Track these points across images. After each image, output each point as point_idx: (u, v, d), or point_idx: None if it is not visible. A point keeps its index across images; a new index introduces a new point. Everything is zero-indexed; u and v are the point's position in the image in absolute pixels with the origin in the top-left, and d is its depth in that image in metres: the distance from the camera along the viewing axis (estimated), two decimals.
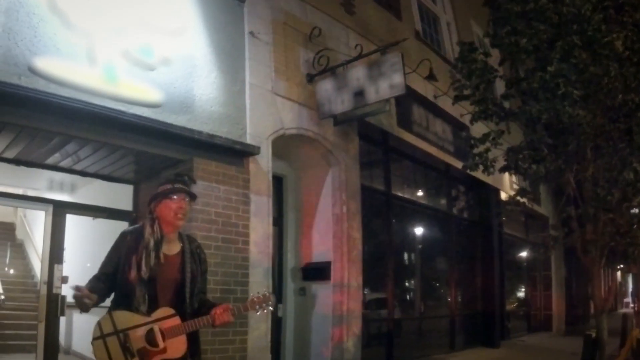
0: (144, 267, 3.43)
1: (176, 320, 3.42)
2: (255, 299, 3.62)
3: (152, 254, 3.48)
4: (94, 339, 3.36)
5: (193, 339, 3.54)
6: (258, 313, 3.66)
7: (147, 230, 3.55)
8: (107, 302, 3.61)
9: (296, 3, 8.20)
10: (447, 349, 11.84)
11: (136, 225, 3.71)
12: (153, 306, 3.43)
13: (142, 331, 3.36)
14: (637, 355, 8.28)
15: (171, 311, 3.44)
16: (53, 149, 6.16)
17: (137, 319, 3.39)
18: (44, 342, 6.41)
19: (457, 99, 8.77)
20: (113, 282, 3.52)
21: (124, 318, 3.39)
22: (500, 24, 8.11)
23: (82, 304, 3.36)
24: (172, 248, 3.63)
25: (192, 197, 3.69)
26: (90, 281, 3.51)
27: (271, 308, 3.68)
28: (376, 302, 10.10)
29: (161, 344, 3.36)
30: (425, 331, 11.64)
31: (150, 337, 3.36)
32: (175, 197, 3.58)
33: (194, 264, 3.64)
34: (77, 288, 3.37)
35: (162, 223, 3.58)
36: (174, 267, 3.58)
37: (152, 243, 3.51)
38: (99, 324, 3.38)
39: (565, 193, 8.98)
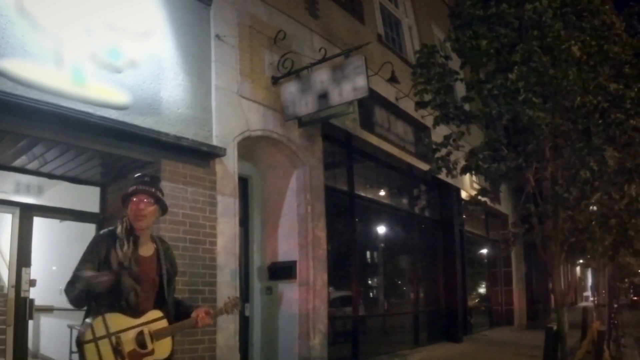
0: (122, 257, 3.44)
1: (164, 323, 3.50)
2: (230, 303, 3.86)
3: (129, 245, 3.49)
4: (86, 342, 3.29)
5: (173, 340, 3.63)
6: (228, 316, 3.86)
7: (118, 227, 3.56)
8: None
9: (262, 6, 8.29)
10: (411, 345, 12.05)
11: (110, 228, 3.68)
12: (138, 307, 3.45)
13: (133, 334, 3.38)
14: (597, 347, 8.56)
15: (159, 314, 3.51)
16: (20, 151, 6.13)
17: (129, 321, 3.40)
18: (12, 346, 6.35)
19: (418, 105, 8.91)
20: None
21: (117, 321, 3.37)
22: (462, 29, 8.28)
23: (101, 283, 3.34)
24: (147, 250, 3.65)
25: (152, 196, 3.63)
26: (73, 277, 3.42)
27: (236, 311, 3.96)
28: (341, 300, 10.24)
29: (150, 347, 3.41)
30: (389, 328, 11.83)
31: (140, 340, 3.40)
32: (135, 198, 3.58)
33: (168, 264, 3.69)
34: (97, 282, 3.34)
35: (131, 223, 3.59)
36: (151, 269, 3.61)
37: (125, 239, 3.51)
38: (90, 326, 3.31)
39: (525, 191, 9.17)
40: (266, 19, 8.31)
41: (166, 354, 3.52)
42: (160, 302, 3.59)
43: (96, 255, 3.48)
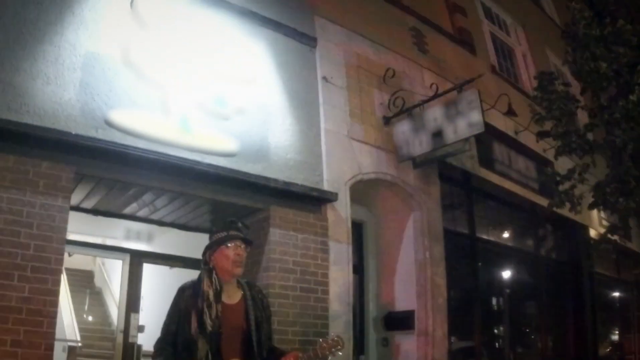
0: (207, 320, 3.30)
1: None
2: (324, 345, 3.44)
3: (213, 305, 3.36)
4: None
5: None
6: (329, 358, 3.45)
7: (205, 281, 3.44)
8: None
9: (369, 45, 8.12)
10: None
11: (193, 279, 3.60)
12: (222, 356, 3.30)
13: None
14: None
15: None
16: (130, 199, 6.25)
17: None
18: None
19: (540, 135, 8.40)
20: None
21: None
22: (579, 50, 7.77)
23: None
24: (233, 297, 3.51)
25: (248, 242, 3.58)
26: (159, 351, 3.42)
27: (340, 353, 3.48)
28: (463, 352, 9.61)
29: None
30: None
31: None
32: (230, 244, 3.48)
33: (257, 310, 3.51)
34: None
35: (220, 272, 3.46)
36: (237, 316, 3.45)
37: (211, 294, 3.39)
38: None
39: None
40: (374, 57, 8.12)
41: None
42: (248, 351, 3.40)
43: (176, 313, 3.45)
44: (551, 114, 8.07)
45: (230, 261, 3.44)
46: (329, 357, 3.45)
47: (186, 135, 5.71)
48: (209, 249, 3.56)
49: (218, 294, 3.41)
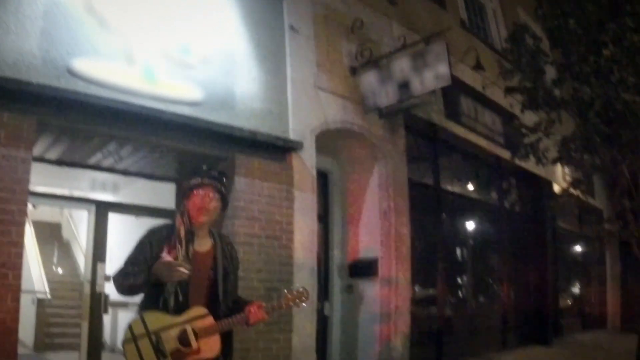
0: (180, 258, 3.29)
1: (209, 320, 3.30)
2: (289, 296, 3.46)
3: (184, 244, 3.34)
4: (125, 342, 3.23)
5: (226, 339, 3.40)
6: (293, 309, 3.48)
7: (178, 220, 3.42)
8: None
9: None
10: (499, 347, 11.47)
11: (165, 223, 3.55)
12: (185, 305, 3.30)
13: (174, 332, 3.24)
14: None
15: (204, 310, 3.31)
16: (94, 149, 6.21)
17: (169, 319, 3.26)
18: (87, 340, 6.44)
19: (508, 90, 8.48)
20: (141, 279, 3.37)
21: (156, 319, 3.27)
22: (549, 6, 7.80)
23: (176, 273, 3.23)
24: (203, 244, 3.48)
25: (217, 190, 3.47)
26: (124, 277, 3.35)
27: (305, 305, 3.50)
28: (426, 300, 9.85)
29: (195, 345, 3.24)
30: (476, 329, 11.31)
31: (183, 338, 3.24)
32: (198, 191, 3.42)
33: (226, 260, 3.50)
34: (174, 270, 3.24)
35: (191, 218, 3.42)
36: (205, 265, 3.43)
37: (182, 233, 3.37)
38: (129, 326, 3.26)
39: (620, 185, 8.62)
40: (342, 7, 8.06)
41: (214, 352, 3.30)
42: (213, 300, 3.40)
43: (142, 253, 3.38)
44: (519, 67, 8.11)
45: (197, 208, 3.40)
46: (294, 308, 3.50)
47: (151, 84, 5.65)
48: (183, 194, 3.52)
49: (189, 234, 3.40)
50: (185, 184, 3.54)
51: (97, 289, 6.54)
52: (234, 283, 3.59)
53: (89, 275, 6.59)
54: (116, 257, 8.48)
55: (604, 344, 13.83)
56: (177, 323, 3.26)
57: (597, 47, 7.40)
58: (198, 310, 3.30)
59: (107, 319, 7.06)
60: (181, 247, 3.34)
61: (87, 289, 6.57)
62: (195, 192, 3.43)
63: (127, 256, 3.43)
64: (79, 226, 13.83)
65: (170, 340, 3.23)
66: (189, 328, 3.25)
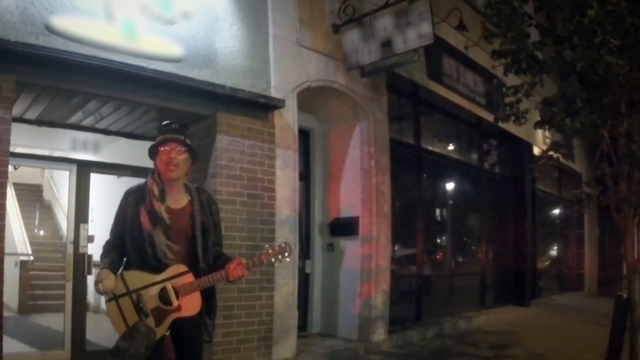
0: (158, 214, 3.33)
1: (189, 277, 3.33)
2: (270, 251, 3.47)
3: (159, 202, 3.37)
4: (107, 301, 3.30)
5: (208, 295, 3.46)
6: (275, 264, 3.51)
7: (149, 180, 3.44)
8: None
9: None
10: (477, 307, 11.74)
11: (139, 184, 3.56)
12: (165, 263, 3.33)
13: (155, 290, 3.29)
14: None
15: (183, 268, 3.34)
16: (75, 108, 6.12)
17: (149, 278, 3.31)
18: (72, 301, 6.41)
19: (495, 54, 8.46)
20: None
21: (136, 278, 3.32)
22: None
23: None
24: (179, 201, 3.49)
25: (185, 145, 3.47)
26: (106, 252, 3.43)
27: (288, 259, 3.52)
28: (406, 259, 10.00)
29: (175, 302, 3.28)
30: (455, 288, 11.53)
31: (163, 296, 3.28)
32: (164, 147, 3.43)
33: (204, 216, 3.50)
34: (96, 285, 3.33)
35: (161, 175, 3.43)
36: (183, 221, 3.44)
37: (156, 191, 3.39)
38: None
39: (599, 149, 8.69)
40: None
41: (196, 310, 3.37)
42: (192, 256, 3.42)
43: (122, 215, 3.44)
44: (501, 30, 8.08)
45: (164, 163, 3.40)
46: (276, 263, 3.49)
47: (131, 40, 5.55)
48: (151, 156, 3.53)
49: (162, 192, 3.41)
50: (152, 145, 3.54)
51: (80, 249, 6.46)
52: (216, 238, 3.59)
53: (71, 236, 6.51)
54: (98, 217, 8.49)
55: (580, 306, 14.14)
56: (158, 281, 3.30)
57: (581, 9, 7.37)
58: (177, 268, 3.34)
59: (90, 279, 7.05)
60: (158, 203, 3.36)
61: (70, 250, 6.49)
62: (161, 148, 3.44)
63: (112, 226, 3.51)
64: (60, 187, 13.75)
65: (151, 299, 3.28)
66: (169, 286, 3.29)
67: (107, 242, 3.49)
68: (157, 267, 3.31)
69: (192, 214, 3.47)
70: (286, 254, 3.49)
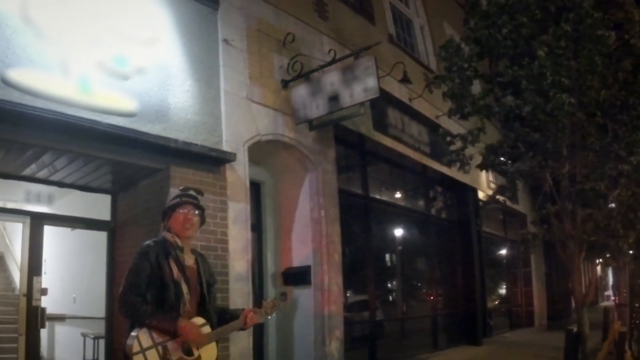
0: (183, 264, 3.64)
1: (207, 329, 3.61)
2: (270, 303, 3.94)
3: (180, 255, 3.67)
4: (135, 353, 3.41)
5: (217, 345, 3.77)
6: (269, 317, 3.95)
7: (168, 235, 3.72)
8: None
9: (269, 9, 8.21)
10: (430, 349, 11.90)
11: (154, 239, 3.77)
12: (186, 315, 3.57)
13: (178, 342, 3.50)
14: (619, 348, 8.37)
15: (202, 320, 3.62)
16: (29, 160, 6.12)
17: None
18: (25, 355, 6.34)
19: (437, 78, 8.68)
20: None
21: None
22: (480, 18, 8.09)
23: None
24: (189, 259, 3.78)
25: (200, 208, 3.87)
26: (139, 304, 3.49)
27: (280, 309, 3.93)
28: (358, 305, 10.13)
29: (196, 353, 3.53)
30: (408, 331, 11.68)
31: (185, 347, 3.51)
32: (181, 210, 3.76)
33: (207, 275, 3.83)
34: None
35: (177, 233, 3.75)
36: (193, 277, 3.73)
37: (179, 242, 3.71)
38: (137, 338, 3.43)
39: (543, 190, 9.05)
40: (274, 22, 8.23)
41: (212, 358, 3.65)
42: (203, 310, 3.72)
43: (148, 267, 3.57)
44: (450, 75, 8.33)
45: (181, 225, 3.72)
46: (270, 315, 3.96)
47: (85, 94, 5.63)
48: (165, 215, 3.84)
49: (180, 249, 3.71)
50: (167, 206, 3.90)
51: (34, 302, 6.43)
52: (215, 295, 3.94)
53: (24, 289, 6.48)
54: (52, 269, 8.42)
55: (532, 341, 14.43)
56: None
57: (524, 57, 7.73)
58: (198, 320, 3.60)
59: (44, 332, 6.98)
60: (182, 257, 3.68)
61: (23, 302, 6.45)
62: (178, 210, 3.77)
63: (129, 282, 3.57)
64: (12, 239, 13.48)
65: (175, 350, 3.49)
66: None
67: (130, 294, 3.52)
68: (177, 316, 3.51)
69: (199, 271, 3.78)
70: (277, 307, 3.98)
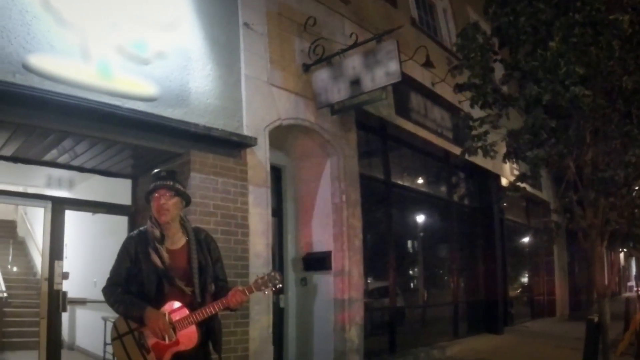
0: (163, 254, 3.58)
1: (184, 312, 3.52)
2: (259, 280, 3.63)
3: (159, 246, 3.63)
4: (112, 339, 3.55)
5: (208, 328, 3.65)
6: (266, 292, 3.67)
7: (149, 224, 3.71)
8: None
9: None
10: (450, 337, 11.84)
11: (140, 228, 3.81)
12: (162, 300, 3.54)
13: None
14: None
15: (177, 304, 3.54)
16: (50, 146, 6.16)
17: None
18: (46, 339, 6.41)
19: (458, 87, 8.68)
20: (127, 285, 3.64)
21: None
22: (498, 4, 7.99)
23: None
24: (177, 242, 3.73)
25: (174, 190, 3.72)
26: (118, 294, 3.60)
27: (280, 285, 3.68)
28: (378, 291, 10.09)
29: (173, 337, 3.47)
30: (428, 319, 11.62)
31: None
32: (155, 194, 3.70)
33: (201, 254, 3.73)
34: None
35: (156, 219, 3.70)
36: (181, 260, 3.67)
37: (156, 233, 3.65)
38: (114, 325, 3.56)
39: (566, 178, 8.90)
40: (295, 5, 8.17)
41: (193, 342, 3.53)
42: (192, 292, 3.63)
43: (127, 260, 3.66)
44: (469, 63, 8.27)
45: (156, 210, 3.67)
46: (266, 291, 3.65)
47: (106, 79, 5.65)
48: (146, 201, 3.80)
49: (162, 236, 3.67)
50: (145, 192, 3.81)
51: (55, 286, 6.48)
52: (220, 273, 3.84)
53: (46, 273, 6.52)
54: (73, 254, 8.47)
55: (553, 331, 14.30)
56: None
57: (544, 43, 7.60)
58: (171, 304, 3.53)
59: (65, 316, 7.05)
60: (157, 249, 3.61)
61: (45, 287, 6.50)
62: (153, 196, 3.71)
63: (110, 273, 3.70)
64: (34, 223, 13.67)
65: (150, 335, 3.48)
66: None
67: (110, 284, 3.66)
68: (157, 305, 3.51)
69: (189, 253, 3.69)
70: (277, 281, 3.64)
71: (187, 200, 3.82)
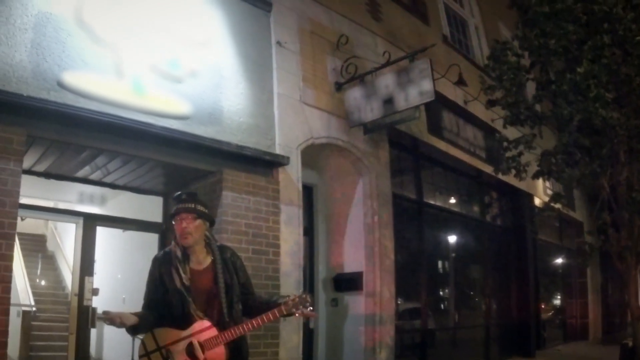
0: (182, 274, 3.57)
1: (213, 332, 3.50)
2: (290, 302, 3.56)
3: (181, 266, 3.62)
4: (140, 357, 3.54)
5: (236, 348, 3.61)
6: (297, 314, 3.61)
7: (172, 244, 3.72)
8: None
9: (323, 11, 8.15)
10: (481, 359, 11.60)
11: (164, 249, 3.83)
12: (191, 319, 3.53)
13: (182, 345, 3.48)
14: None
15: (207, 323, 3.52)
16: (83, 162, 6.20)
17: (176, 334, 3.51)
18: (74, 354, 6.42)
19: (490, 103, 8.60)
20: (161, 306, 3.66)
21: (165, 334, 3.55)
22: (529, 26, 7.95)
23: (121, 326, 3.46)
24: (203, 262, 3.71)
25: (196, 212, 3.68)
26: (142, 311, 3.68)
27: (311, 308, 3.62)
28: (409, 312, 9.94)
29: (201, 356, 3.46)
30: (459, 341, 11.41)
31: (190, 351, 3.47)
32: (177, 219, 3.69)
33: (227, 274, 3.69)
34: (104, 312, 3.52)
35: (179, 241, 3.70)
36: (206, 280, 3.65)
37: (179, 254, 3.65)
38: (142, 342, 3.56)
39: (600, 198, 8.74)
40: (327, 23, 8.17)
41: None
42: (217, 312, 3.62)
43: (152, 282, 3.71)
44: (502, 84, 8.22)
45: (179, 234, 3.66)
46: (296, 313, 3.58)
47: (139, 97, 5.69)
48: (170, 224, 3.81)
49: (185, 256, 3.65)
50: (168, 216, 3.85)
51: (85, 302, 6.53)
52: (247, 289, 3.80)
53: (76, 289, 6.57)
54: (102, 270, 8.48)
55: (586, 354, 13.95)
56: (184, 337, 3.50)
57: (575, 65, 7.53)
58: (202, 323, 3.52)
59: (93, 331, 7.05)
60: (183, 265, 3.62)
61: (74, 302, 6.56)
62: (175, 219, 3.69)
63: (145, 292, 3.75)
64: (64, 238, 13.77)
65: (179, 353, 3.48)
66: (194, 341, 3.48)
67: (142, 308, 3.71)
68: (185, 324, 3.51)
69: (215, 273, 3.67)
70: (307, 303, 3.58)
71: (210, 221, 3.80)
